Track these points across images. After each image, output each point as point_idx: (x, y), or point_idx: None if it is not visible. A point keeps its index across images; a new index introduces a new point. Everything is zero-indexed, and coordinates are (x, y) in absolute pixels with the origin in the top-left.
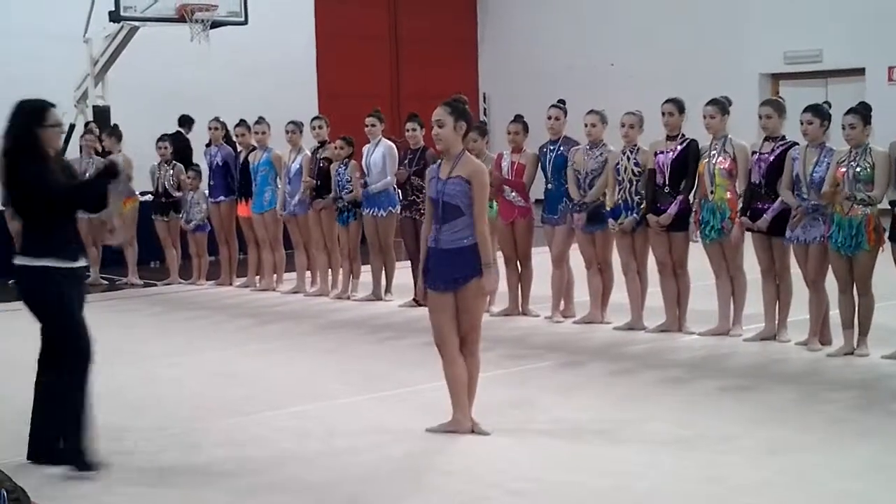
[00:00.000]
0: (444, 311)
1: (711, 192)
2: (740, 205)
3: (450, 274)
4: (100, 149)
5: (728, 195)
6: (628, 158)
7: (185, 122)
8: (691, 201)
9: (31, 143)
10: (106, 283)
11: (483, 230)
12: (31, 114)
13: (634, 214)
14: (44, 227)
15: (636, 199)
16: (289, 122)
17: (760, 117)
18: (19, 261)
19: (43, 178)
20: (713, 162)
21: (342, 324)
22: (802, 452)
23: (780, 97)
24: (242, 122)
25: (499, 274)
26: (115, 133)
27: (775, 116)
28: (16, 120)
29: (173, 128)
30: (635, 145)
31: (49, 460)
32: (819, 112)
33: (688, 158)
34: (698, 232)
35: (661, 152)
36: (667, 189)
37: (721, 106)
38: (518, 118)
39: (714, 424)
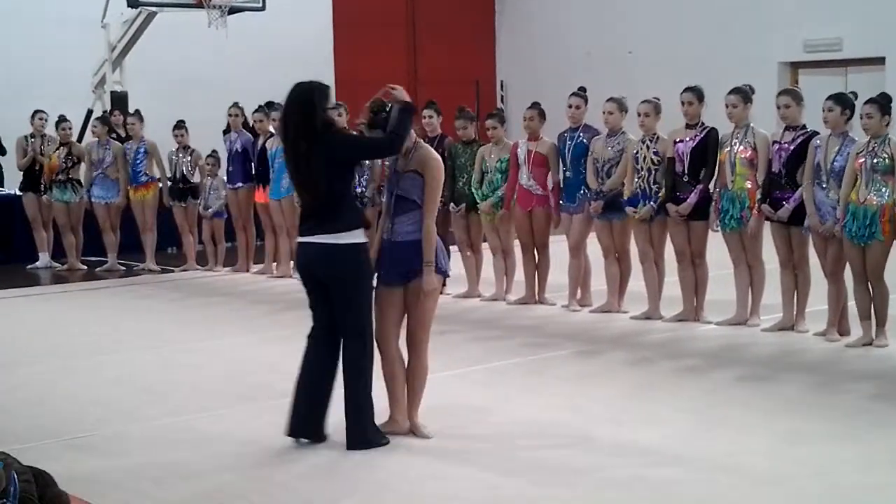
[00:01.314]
0: (391, 308)
1: (732, 182)
2: (759, 195)
3: (403, 266)
4: (123, 134)
5: (748, 185)
6: (647, 147)
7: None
8: (711, 190)
9: (325, 120)
10: (123, 268)
11: (429, 225)
12: (321, 94)
13: (652, 203)
14: (349, 200)
15: (654, 187)
16: None
17: (779, 107)
18: (333, 239)
19: (360, 140)
20: (734, 151)
21: None
22: (820, 442)
23: (797, 86)
24: (260, 108)
25: (515, 262)
26: (139, 117)
27: (794, 105)
28: (307, 100)
29: (190, 114)
30: (654, 134)
31: (313, 437)
32: (841, 100)
33: (707, 147)
34: (718, 221)
35: (681, 141)
36: (686, 178)
37: (744, 94)
38: (534, 105)
39: (731, 414)
